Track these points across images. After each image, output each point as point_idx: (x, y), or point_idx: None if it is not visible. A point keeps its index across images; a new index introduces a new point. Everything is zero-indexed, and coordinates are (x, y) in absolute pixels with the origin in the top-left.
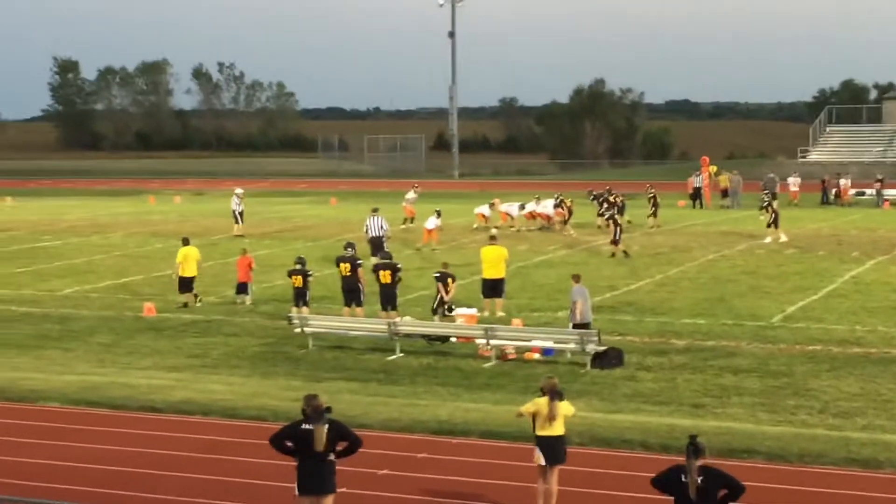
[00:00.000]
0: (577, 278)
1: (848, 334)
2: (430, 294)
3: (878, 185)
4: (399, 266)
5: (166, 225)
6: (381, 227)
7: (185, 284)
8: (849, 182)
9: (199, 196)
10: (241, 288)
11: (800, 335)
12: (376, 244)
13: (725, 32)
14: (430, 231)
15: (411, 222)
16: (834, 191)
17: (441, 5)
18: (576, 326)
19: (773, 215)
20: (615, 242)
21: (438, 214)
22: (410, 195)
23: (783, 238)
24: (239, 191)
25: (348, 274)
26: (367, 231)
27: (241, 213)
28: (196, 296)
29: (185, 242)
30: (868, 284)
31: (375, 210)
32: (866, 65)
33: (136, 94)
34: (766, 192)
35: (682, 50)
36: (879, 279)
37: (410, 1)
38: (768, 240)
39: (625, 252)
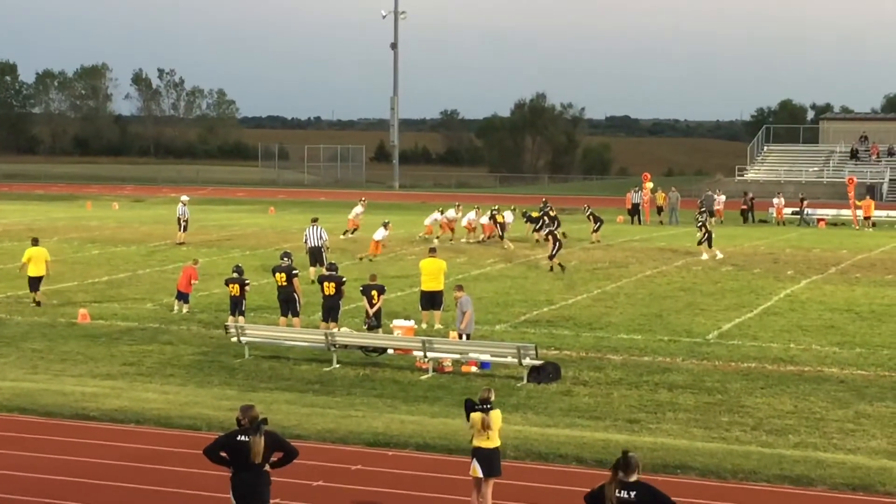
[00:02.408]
0: (462, 288)
1: (782, 352)
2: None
3: (800, 204)
4: (344, 279)
5: (103, 231)
6: (321, 238)
7: (33, 284)
8: (782, 201)
9: (137, 202)
10: (180, 296)
11: (735, 352)
12: (315, 254)
13: (666, 50)
14: (377, 242)
15: (352, 233)
16: (771, 210)
17: (384, 17)
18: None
19: (707, 234)
20: (552, 257)
21: (386, 226)
22: (358, 209)
23: (719, 255)
24: (185, 198)
25: (284, 284)
26: (306, 241)
27: (186, 221)
28: (37, 300)
29: (35, 243)
30: (803, 303)
31: (315, 220)
32: (804, 86)
33: (74, 98)
34: (703, 210)
35: (623, 66)
36: (814, 297)
37: (353, 11)
38: (705, 256)
39: (561, 266)
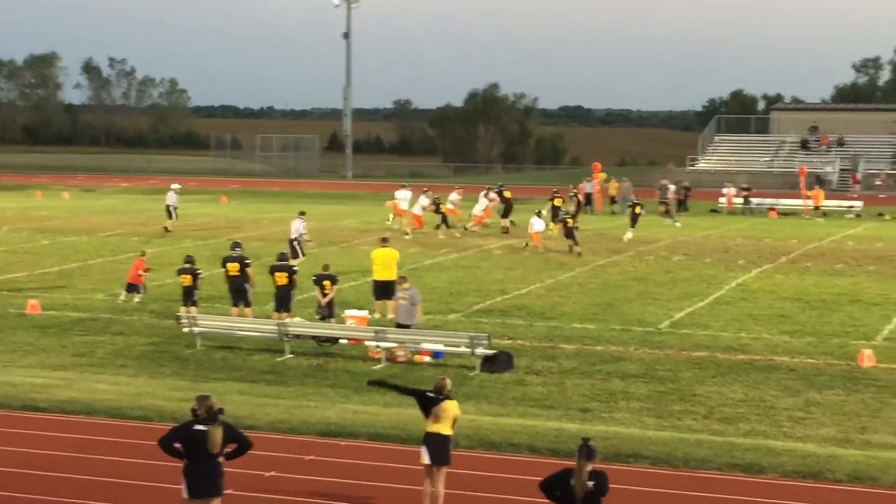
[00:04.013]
0: (406, 279)
1: (733, 341)
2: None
3: (744, 193)
4: (295, 268)
5: (53, 221)
6: (299, 231)
7: None
8: (733, 191)
9: (88, 192)
10: (131, 287)
11: (686, 341)
12: (291, 247)
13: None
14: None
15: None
16: (721, 199)
17: (336, 6)
18: (400, 326)
19: (633, 219)
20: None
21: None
22: (454, 196)
23: (629, 236)
24: (176, 186)
25: (236, 274)
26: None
27: (175, 209)
28: None
29: None
30: (753, 292)
31: (302, 213)
32: (755, 76)
33: (23, 87)
34: (661, 199)
35: (576, 57)
36: (764, 287)
37: (306, 1)
38: (629, 235)
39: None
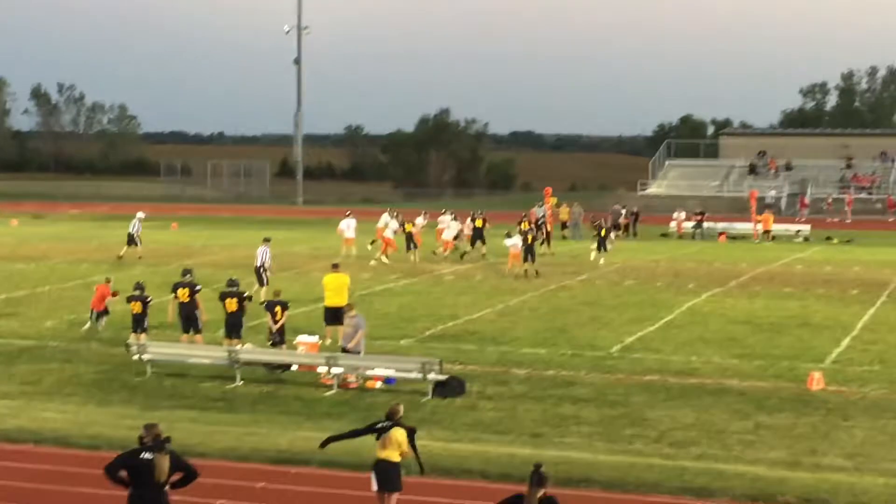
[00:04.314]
0: (352, 307)
1: (684, 365)
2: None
3: (697, 217)
4: (246, 294)
5: (1, 249)
6: (262, 258)
7: None
8: (683, 215)
9: (36, 219)
10: (100, 315)
11: (637, 365)
12: (257, 274)
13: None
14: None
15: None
16: (672, 224)
17: (287, 32)
18: (345, 351)
19: (600, 242)
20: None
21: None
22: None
23: (595, 257)
24: (141, 215)
25: (186, 300)
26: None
27: (138, 236)
28: None
29: None
30: (704, 315)
31: (266, 240)
32: (704, 101)
33: None
34: (613, 224)
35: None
36: (715, 310)
37: (256, 26)
38: (598, 259)
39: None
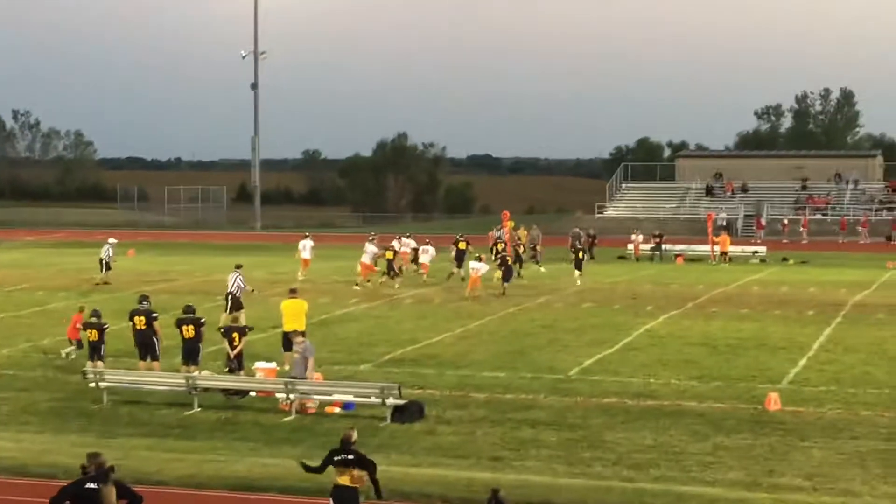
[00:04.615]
0: (299, 333)
1: (642, 387)
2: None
3: (656, 239)
4: (203, 320)
5: None
6: (237, 285)
7: None
8: (640, 238)
9: None
10: (80, 344)
11: (596, 388)
12: (229, 301)
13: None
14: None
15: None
16: (629, 246)
17: (244, 57)
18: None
19: (577, 263)
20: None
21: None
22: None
23: (577, 280)
24: (112, 241)
25: (143, 327)
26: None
27: (108, 263)
28: None
29: None
30: (662, 338)
31: (238, 266)
32: (660, 124)
33: None
34: (572, 247)
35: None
36: (673, 333)
37: (213, 52)
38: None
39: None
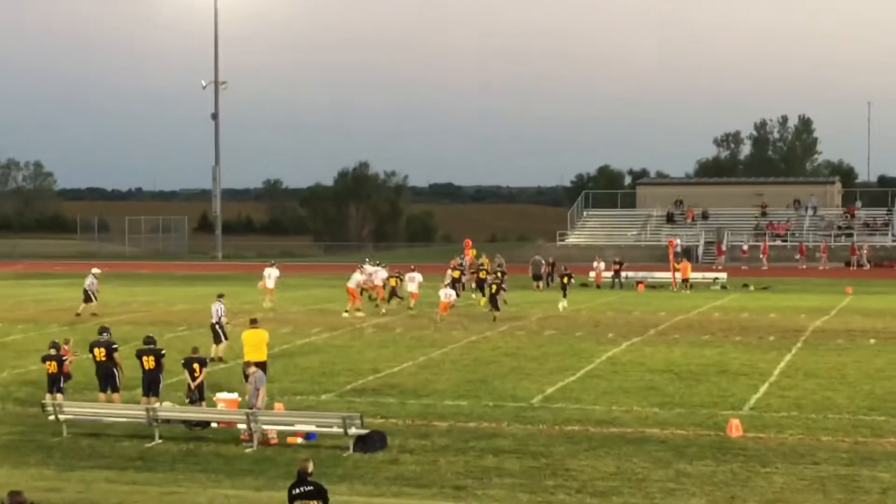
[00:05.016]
0: (250, 364)
1: (605, 414)
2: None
3: (616, 266)
4: (163, 352)
5: None
6: (218, 314)
7: None
8: (602, 265)
9: None
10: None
11: (559, 416)
12: (213, 331)
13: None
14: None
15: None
16: (591, 274)
17: (204, 87)
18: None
19: (563, 288)
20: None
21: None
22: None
23: (563, 304)
24: (96, 271)
25: (103, 359)
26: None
27: (93, 294)
28: None
29: None
30: (624, 365)
31: (220, 296)
32: (621, 151)
33: None
34: (534, 274)
35: (446, 134)
36: (634, 360)
37: (173, 82)
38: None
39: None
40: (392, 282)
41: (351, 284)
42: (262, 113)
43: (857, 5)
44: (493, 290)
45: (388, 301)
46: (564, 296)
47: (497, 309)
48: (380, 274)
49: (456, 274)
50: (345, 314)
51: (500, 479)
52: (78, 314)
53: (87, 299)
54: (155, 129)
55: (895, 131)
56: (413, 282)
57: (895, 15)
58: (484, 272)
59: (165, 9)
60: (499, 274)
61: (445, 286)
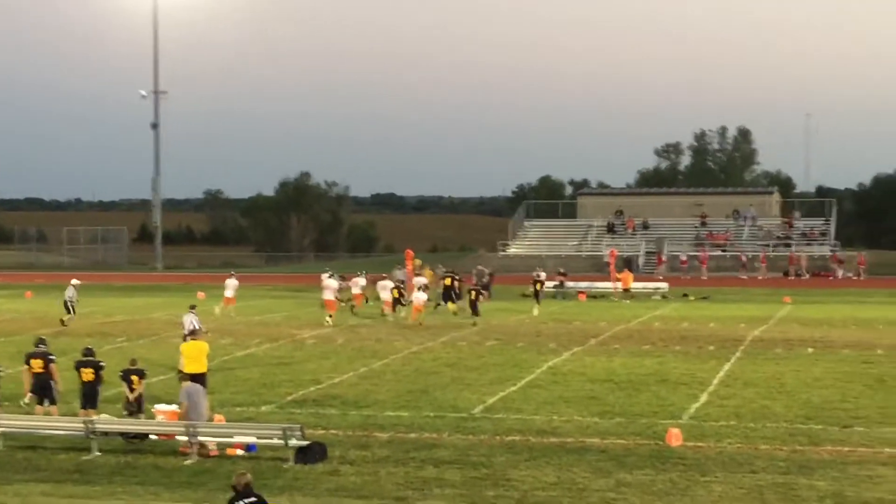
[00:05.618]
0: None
1: (545, 424)
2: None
3: (560, 277)
4: (102, 364)
5: None
6: (193, 325)
7: None
8: (543, 275)
9: None
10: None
11: (499, 426)
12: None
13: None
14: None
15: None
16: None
17: (144, 97)
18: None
19: (535, 295)
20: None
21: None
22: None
23: (535, 312)
24: (75, 282)
25: (40, 370)
26: (183, 327)
27: (73, 304)
28: None
29: None
30: (564, 374)
31: (192, 307)
32: (562, 161)
33: None
34: (475, 284)
35: (387, 144)
36: (575, 369)
37: (113, 91)
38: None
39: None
40: (394, 293)
41: (328, 297)
42: (202, 122)
43: (796, 19)
44: (473, 297)
45: (394, 309)
46: (538, 303)
47: (477, 314)
48: (359, 282)
49: (448, 281)
50: (328, 320)
51: (440, 489)
52: (63, 323)
53: (68, 311)
54: (95, 139)
55: (833, 142)
56: (385, 290)
57: (833, 28)
58: (450, 279)
59: (105, 14)
60: (486, 279)
61: (419, 290)
